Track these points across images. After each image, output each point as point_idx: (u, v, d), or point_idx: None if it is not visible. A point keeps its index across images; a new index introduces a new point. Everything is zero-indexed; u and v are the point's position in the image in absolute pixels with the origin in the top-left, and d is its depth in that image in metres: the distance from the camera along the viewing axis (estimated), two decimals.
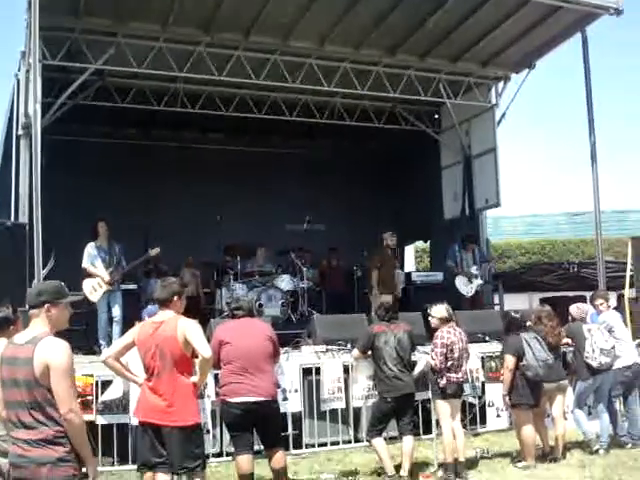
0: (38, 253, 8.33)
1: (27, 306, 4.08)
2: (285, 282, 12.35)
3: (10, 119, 11.31)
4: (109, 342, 9.48)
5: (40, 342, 3.74)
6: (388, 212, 15.75)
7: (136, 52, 11.11)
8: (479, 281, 12.37)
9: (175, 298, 5.42)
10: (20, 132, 10.48)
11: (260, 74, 11.79)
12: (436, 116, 15.17)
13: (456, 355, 7.21)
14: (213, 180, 14.49)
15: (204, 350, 5.15)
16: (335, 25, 11.34)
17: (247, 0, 10.47)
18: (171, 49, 11.25)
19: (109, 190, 13.51)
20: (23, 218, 9.98)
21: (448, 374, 7.21)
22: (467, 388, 8.03)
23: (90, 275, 9.92)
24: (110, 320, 9.96)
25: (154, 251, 10.52)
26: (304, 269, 12.59)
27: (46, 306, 3.91)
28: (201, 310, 11.99)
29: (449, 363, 7.18)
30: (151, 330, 5.32)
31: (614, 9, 10.88)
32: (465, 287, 12.23)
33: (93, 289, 9.83)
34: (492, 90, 13.66)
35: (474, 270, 12.29)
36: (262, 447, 6.39)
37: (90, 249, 10.05)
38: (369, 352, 7.36)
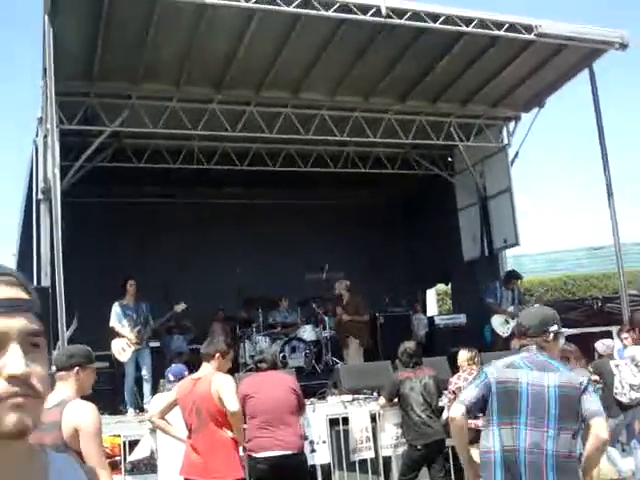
0: (62, 316, 8.39)
1: (54, 368, 4.12)
2: (308, 332, 12.34)
3: (30, 184, 11.51)
4: (135, 402, 9.48)
5: (67, 405, 3.75)
6: (406, 256, 15.79)
7: (150, 113, 11.33)
8: (514, 323, 12.22)
9: (217, 355, 5.47)
10: (40, 196, 10.63)
11: (273, 128, 11.96)
12: (449, 159, 15.25)
13: None
14: (231, 233, 14.60)
15: (230, 404, 5.16)
16: (344, 76, 11.53)
17: (257, 57, 10.67)
18: (184, 108, 11.47)
19: (129, 249, 13.67)
20: (46, 281, 10.07)
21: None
22: None
23: (118, 335, 9.96)
24: (137, 380, 9.96)
25: (180, 307, 10.56)
26: (326, 318, 12.58)
27: (76, 369, 3.94)
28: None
29: None
30: (190, 387, 5.39)
31: (619, 44, 10.96)
32: (502, 327, 12.04)
33: (122, 349, 9.87)
34: (503, 130, 13.72)
35: (512, 309, 12.12)
36: None
37: (117, 308, 10.11)
38: (395, 399, 7.31)
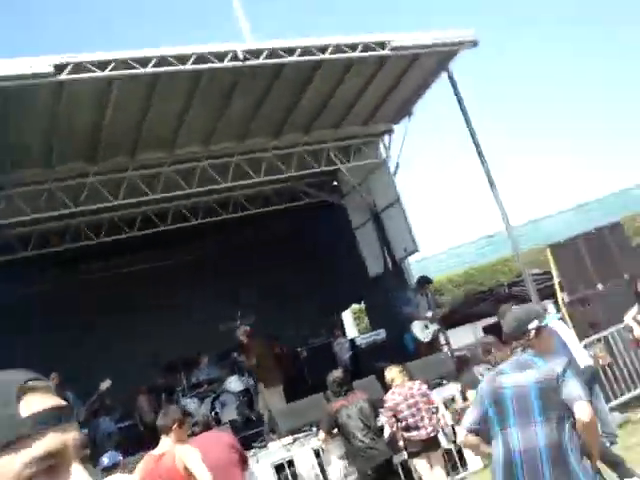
0: None
1: None
2: (234, 383, 12.19)
3: None
4: None
5: None
6: (315, 285, 15.84)
7: (28, 198, 10.99)
8: (435, 326, 12.46)
9: (175, 425, 5.34)
10: None
11: (155, 189, 11.82)
12: (335, 183, 15.47)
13: (406, 413, 7.22)
14: (134, 306, 14.24)
15: (202, 476, 5.04)
16: (215, 124, 11.55)
17: (124, 122, 10.54)
18: (62, 187, 11.18)
19: (31, 341, 13.08)
20: None
21: (407, 433, 7.21)
22: (441, 438, 8.01)
23: None
24: None
25: (105, 384, 10.25)
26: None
27: None
28: None
29: (403, 424, 7.19)
30: (153, 463, 5.21)
31: (470, 41, 11.47)
32: (422, 333, 12.26)
33: None
34: (380, 145, 14.04)
35: (429, 314, 12.34)
36: None
37: None
38: (335, 430, 7.30)
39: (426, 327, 12.30)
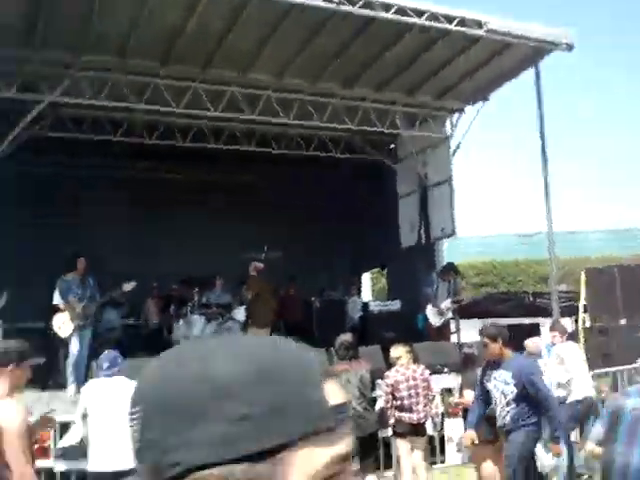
0: None
1: None
2: (242, 314, 12.28)
3: None
4: (78, 379, 9.24)
5: None
6: (345, 240, 15.84)
7: (91, 83, 11.02)
8: (449, 315, 12.49)
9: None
10: None
11: (217, 105, 11.78)
12: (392, 146, 15.32)
13: (404, 394, 7.25)
14: (170, 210, 14.39)
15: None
16: (293, 58, 11.43)
17: (206, 33, 10.47)
18: (127, 81, 11.19)
19: (61, 220, 13.29)
20: None
21: (399, 413, 7.25)
22: (429, 425, 8.06)
23: (61, 311, 9.70)
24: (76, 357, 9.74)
25: (129, 286, 10.30)
26: None
27: (10, 366, 3.83)
28: (163, 341, 11.91)
29: (398, 402, 7.23)
30: None
31: (566, 44, 11.17)
32: (434, 317, 12.28)
33: (62, 324, 9.63)
34: (447, 121, 13.85)
35: (448, 303, 12.31)
36: None
37: (62, 284, 9.79)
38: None
39: (440, 313, 12.30)
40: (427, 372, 7.63)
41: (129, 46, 10.58)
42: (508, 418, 6.31)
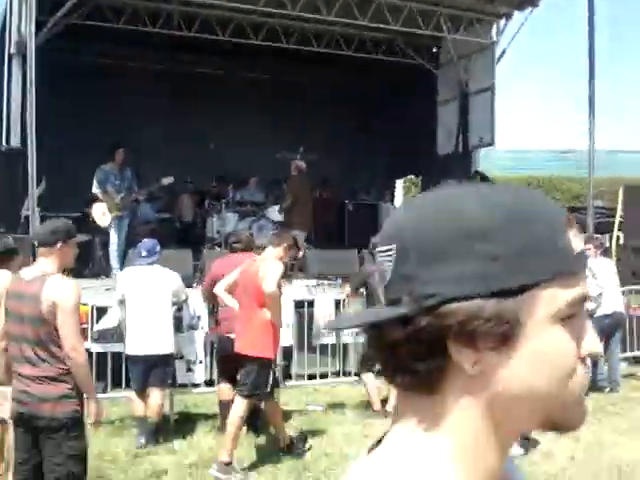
0: (32, 177, 8.27)
1: (36, 242, 4.10)
2: (276, 213, 12.35)
3: (2, 37, 11.01)
4: (122, 265, 9.43)
5: (48, 280, 3.76)
6: (381, 145, 15.66)
7: None
8: None
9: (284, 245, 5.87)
10: (13, 51, 10.24)
11: (260, 0, 11.51)
12: (434, 50, 14.92)
13: None
14: (207, 106, 14.26)
15: (267, 285, 5.47)
16: None
17: None
18: None
19: (101, 111, 13.27)
20: (15, 141, 9.84)
21: None
22: None
23: (99, 200, 9.84)
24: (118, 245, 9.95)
25: (167, 180, 10.39)
26: None
27: (59, 244, 3.91)
28: (196, 237, 12.10)
29: None
30: (248, 267, 5.83)
31: None
32: None
33: (102, 214, 9.79)
34: (493, 27, 13.42)
35: None
36: None
37: (100, 174, 9.90)
38: (362, 291, 7.43)
39: None
40: None
41: None
42: None
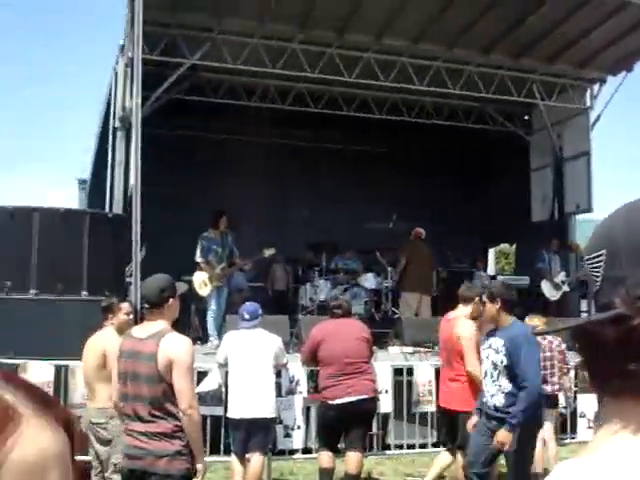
0: (136, 243, 8.48)
1: (145, 303, 4.16)
2: (369, 281, 12.33)
3: (107, 112, 11.56)
4: (219, 335, 9.53)
5: (164, 338, 3.79)
6: (473, 213, 15.54)
7: (231, 48, 11.26)
8: (566, 288, 12.15)
9: (477, 299, 5.91)
10: (117, 124, 10.70)
11: (352, 72, 11.77)
12: (526, 117, 14.85)
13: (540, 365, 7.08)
14: (299, 177, 14.56)
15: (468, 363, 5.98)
16: (430, 24, 11.24)
17: None
18: (265, 45, 11.35)
19: (196, 182, 13.71)
20: (117, 208, 10.20)
21: None
22: (562, 399, 7.83)
23: (201, 269, 10.02)
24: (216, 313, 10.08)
25: (269, 252, 10.50)
26: (388, 268, 12.52)
27: (170, 301, 3.97)
28: (288, 305, 12.14)
29: None
30: (444, 324, 6.37)
31: None
32: (550, 291, 12.04)
33: (203, 284, 9.95)
34: (587, 92, 13.28)
35: (562, 277, 12.05)
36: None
37: (204, 242, 10.09)
38: None
39: (556, 287, 12.01)
40: (564, 345, 7.40)
41: (268, 10, 10.69)
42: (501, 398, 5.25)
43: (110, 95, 11.37)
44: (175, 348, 3.76)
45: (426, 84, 12.13)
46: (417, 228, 11.93)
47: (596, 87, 13.18)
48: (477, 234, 15.60)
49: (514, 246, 17.13)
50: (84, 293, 7.49)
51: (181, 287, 4.58)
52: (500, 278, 13.95)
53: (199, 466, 3.93)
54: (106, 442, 5.51)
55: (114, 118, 10.86)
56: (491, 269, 18.33)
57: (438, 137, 14.93)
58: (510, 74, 12.49)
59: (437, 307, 12.97)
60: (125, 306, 5.92)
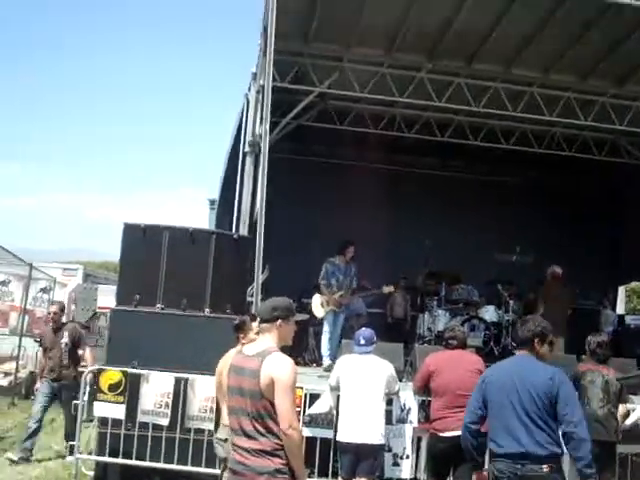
0: (259, 264, 8.74)
1: (258, 319, 4.29)
2: (490, 313, 12.08)
3: (237, 137, 11.99)
4: (333, 357, 9.66)
5: (268, 356, 3.87)
6: (605, 248, 15.02)
7: (359, 76, 11.47)
8: None
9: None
10: (247, 149, 11.06)
11: (479, 101, 11.73)
12: None
13: None
14: (422, 205, 14.56)
15: None
16: (562, 54, 11.04)
17: (473, 27, 10.44)
18: (393, 74, 11.48)
19: (321, 208, 13.97)
20: (243, 230, 10.52)
21: None
22: None
23: (321, 291, 10.23)
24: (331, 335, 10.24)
25: (388, 289, 10.69)
26: (510, 301, 12.24)
27: (279, 321, 4.06)
28: (405, 333, 12.12)
29: None
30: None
31: None
32: None
33: (321, 305, 10.15)
34: None
35: None
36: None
37: (329, 266, 10.30)
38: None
39: None
40: None
41: (397, 40, 10.82)
42: None
43: (241, 121, 11.79)
44: (277, 367, 3.83)
45: (556, 115, 11.88)
46: (555, 267, 11.55)
47: None
48: (606, 271, 15.05)
49: None
50: (207, 310, 7.74)
51: (300, 316, 4.68)
52: (629, 318, 13.42)
53: None
54: (221, 460, 5.70)
55: (244, 143, 11.24)
56: (620, 308, 17.59)
57: (568, 169, 14.55)
58: None
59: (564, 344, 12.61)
60: (256, 325, 6.08)
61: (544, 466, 4.45)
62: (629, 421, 7.05)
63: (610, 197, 15.39)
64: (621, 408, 6.81)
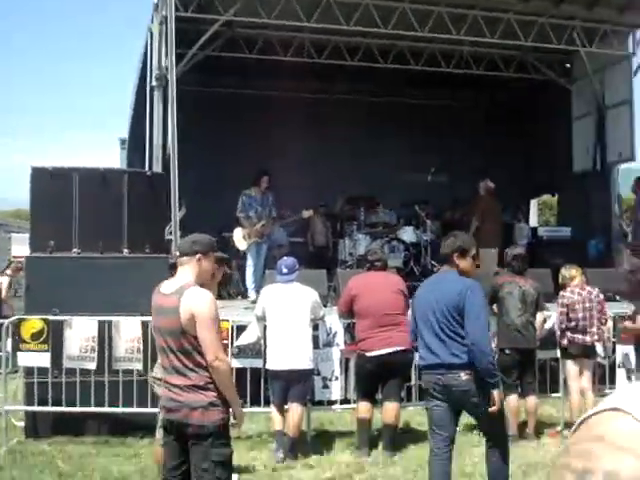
0: (174, 202, 8.64)
1: (177, 253, 4.26)
2: (408, 234, 12.29)
3: (143, 70, 11.63)
4: (258, 289, 9.70)
5: (186, 292, 3.86)
6: (515, 164, 15.37)
7: (264, 3, 11.19)
8: None
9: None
10: (154, 83, 10.75)
11: (387, 23, 11.61)
12: (568, 65, 14.51)
13: (579, 315, 7.06)
14: (335, 130, 14.53)
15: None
16: None
17: None
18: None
19: (234, 139, 13.81)
20: (157, 167, 10.33)
21: (572, 334, 7.08)
22: (600, 349, 7.81)
23: (241, 225, 10.21)
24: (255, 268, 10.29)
25: (307, 213, 10.71)
26: (427, 221, 12.49)
27: (198, 256, 4.03)
28: (328, 260, 12.23)
29: (572, 323, 7.04)
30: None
31: None
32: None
33: (242, 238, 10.16)
34: (629, 38, 12.91)
35: None
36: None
37: (245, 199, 10.31)
38: (494, 306, 7.23)
39: None
40: (602, 295, 7.37)
41: None
42: None
43: (146, 54, 11.42)
44: (195, 302, 3.82)
45: (463, 33, 11.91)
46: (487, 182, 11.80)
47: (639, 33, 12.80)
48: (518, 186, 15.45)
49: (556, 197, 16.90)
50: (125, 250, 7.61)
51: (220, 254, 4.66)
52: (542, 229, 13.86)
53: (236, 413, 4.04)
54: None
55: (151, 77, 10.92)
56: (533, 221, 18.16)
57: (477, 87, 14.73)
58: (550, 21, 12.16)
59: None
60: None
61: (462, 373, 4.65)
62: (546, 326, 7.39)
63: (519, 113, 15.67)
64: (539, 316, 7.12)
